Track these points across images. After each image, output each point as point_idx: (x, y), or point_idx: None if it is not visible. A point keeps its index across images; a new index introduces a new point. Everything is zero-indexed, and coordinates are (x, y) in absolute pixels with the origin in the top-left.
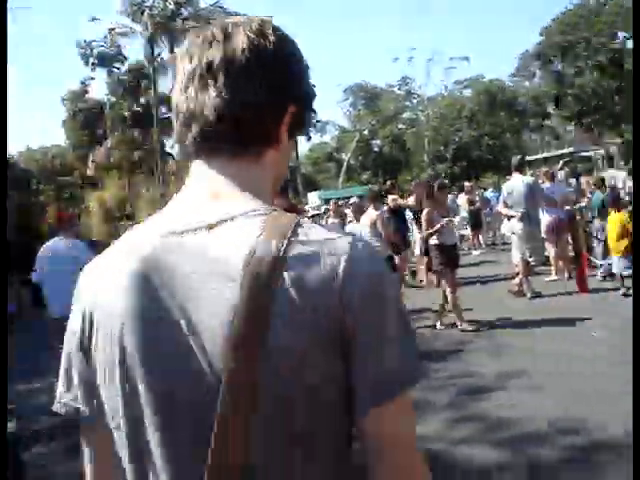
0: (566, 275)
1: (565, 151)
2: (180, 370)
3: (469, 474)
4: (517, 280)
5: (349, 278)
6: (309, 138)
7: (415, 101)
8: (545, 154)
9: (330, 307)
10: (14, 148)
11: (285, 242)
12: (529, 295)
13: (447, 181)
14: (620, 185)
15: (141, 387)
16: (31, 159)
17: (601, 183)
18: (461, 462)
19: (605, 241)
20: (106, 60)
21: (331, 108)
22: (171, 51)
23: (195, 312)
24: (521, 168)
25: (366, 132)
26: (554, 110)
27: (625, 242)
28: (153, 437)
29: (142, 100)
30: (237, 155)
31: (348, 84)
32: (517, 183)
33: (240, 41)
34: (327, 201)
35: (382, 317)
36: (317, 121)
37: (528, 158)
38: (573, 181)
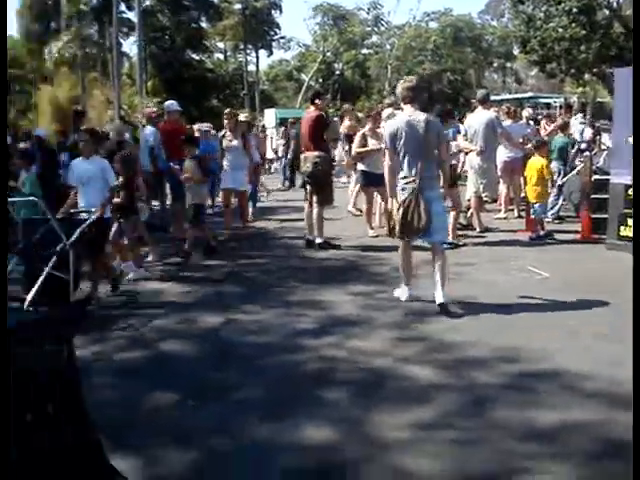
0: (515, 214)
1: (525, 95)
2: (414, 140)
3: (409, 390)
4: (468, 214)
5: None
6: (271, 53)
7: (382, 28)
8: (505, 96)
9: (438, 127)
10: None
11: (430, 116)
12: (478, 230)
13: None
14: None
15: (407, 139)
16: None
17: (565, 127)
18: (402, 379)
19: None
20: None
21: (297, 25)
22: None
23: (418, 131)
24: (485, 102)
25: (329, 54)
26: (519, 53)
27: (539, 188)
28: (408, 151)
29: None
30: (413, 104)
31: (317, 2)
32: (479, 117)
33: (413, 80)
34: (283, 120)
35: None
36: (281, 37)
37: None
38: (532, 123)
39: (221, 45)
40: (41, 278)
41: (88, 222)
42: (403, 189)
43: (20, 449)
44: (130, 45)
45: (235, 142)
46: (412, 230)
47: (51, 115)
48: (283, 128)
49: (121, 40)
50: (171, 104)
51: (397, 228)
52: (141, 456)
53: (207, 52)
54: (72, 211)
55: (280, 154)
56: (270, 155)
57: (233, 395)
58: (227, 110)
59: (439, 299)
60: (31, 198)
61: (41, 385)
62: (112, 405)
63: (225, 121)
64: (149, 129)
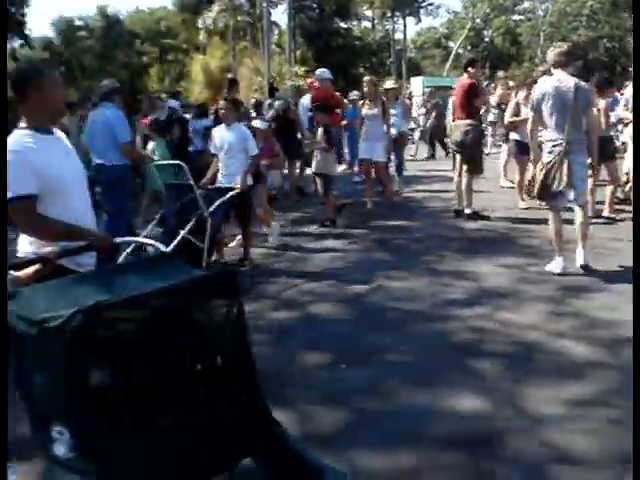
0: None
1: None
2: (562, 105)
3: (562, 365)
4: (627, 188)
5: (585, 89)
6: (419, 21)
7: None
8: None
9: (587, 94)
10: (123, 8)
11: (580, 82)
12: None
13: None
14: None
15: (554, 104)
16: (138, 20)
17: None
18: (555, 354)
19: None
20: None
21: None
22: None
23: (566, 95)
24: None
25: (479, 20)
26: None
27: None
28: (555, 115)
29: None
30: (564, 68)
31: None
32: None
33: (564, 45)
34: (430, 88)
35: (591, 98)
36: (429, 4)
37: None
38: None
39: (369, 13)
40: (175, 241)
41: (230, 194)
42: (550, 152)
43: (188, 394)
44: (280, 14)
45: (374, 110)
46: (551, 191)
47: (203, 83)
48: (422, 97)
49: (271, 9)
50: (322, 72)
51: (537, 188)
52: (295, 411)
53: (355, 20)
54: (210, 187)
55: (421, 123)
56: (411, 124)
57: (381, 359)
58: (366, 77)
59: (579, 261)
60: (176, 162)
61: (213, 339)
62: (265, 360)
63: (365, 89)
64: (308, 98)
